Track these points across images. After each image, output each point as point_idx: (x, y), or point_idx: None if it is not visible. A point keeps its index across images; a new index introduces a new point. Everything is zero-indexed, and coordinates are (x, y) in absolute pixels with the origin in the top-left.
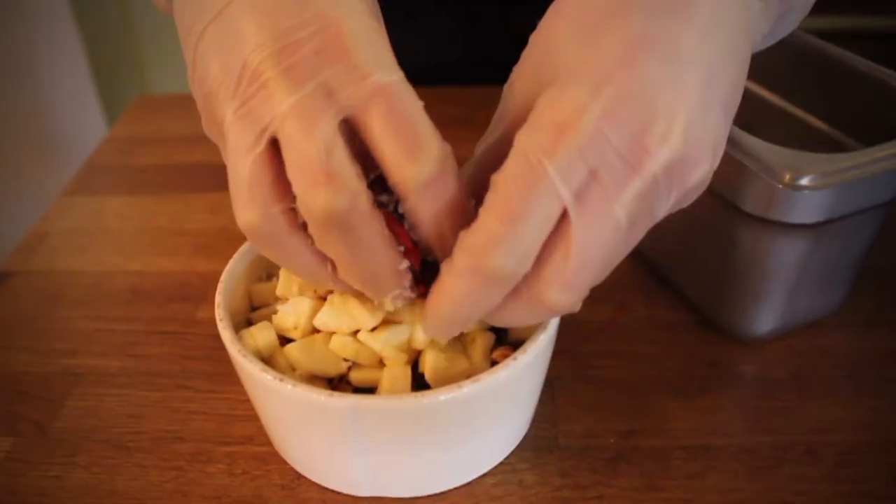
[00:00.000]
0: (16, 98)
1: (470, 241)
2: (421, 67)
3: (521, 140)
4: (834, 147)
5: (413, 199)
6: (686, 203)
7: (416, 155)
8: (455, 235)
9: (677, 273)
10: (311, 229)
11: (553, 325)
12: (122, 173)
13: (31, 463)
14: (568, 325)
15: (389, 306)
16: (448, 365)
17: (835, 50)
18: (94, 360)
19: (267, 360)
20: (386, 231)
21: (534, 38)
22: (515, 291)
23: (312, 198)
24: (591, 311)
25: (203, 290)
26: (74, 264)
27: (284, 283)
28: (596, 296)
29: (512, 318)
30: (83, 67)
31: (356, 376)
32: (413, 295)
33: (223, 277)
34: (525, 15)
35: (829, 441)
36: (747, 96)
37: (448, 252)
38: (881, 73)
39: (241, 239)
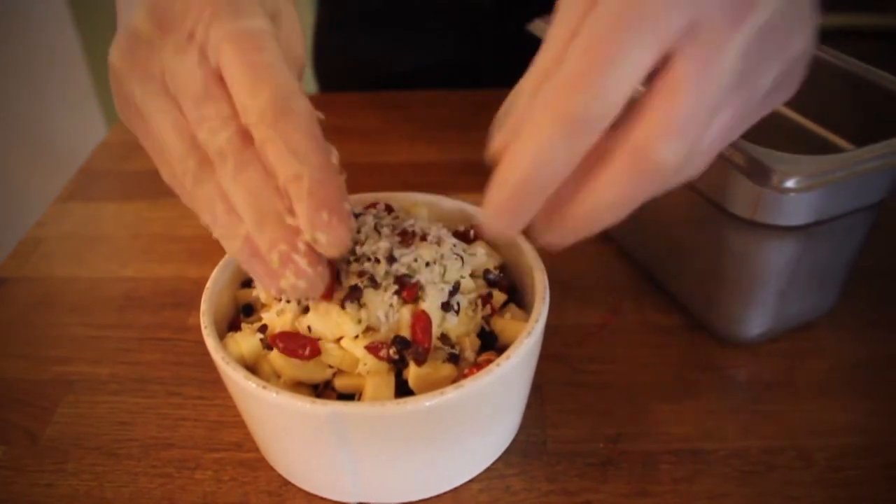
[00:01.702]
0: (16, 103)
1: (553, 83)
2: (418, 70)
3: None
4: (825, 148)
5: (258, 133)
6: (790, 86)
7: (256, 88)
8: (304, 179)
9: (668, 276)
10: (217, 172)
11: (538, 329)
12: (117, 179)
13: (21, 471)
14: (558, 330)
15: (287, 288)
16: (431, 371)
17: (825, 50)
18: (87, 367)
19: (251, 366)
20: (265, 178)
21: None
22: (607, 153)
23: (210, 142)
24: (582, 316)
25: (195, 297)
26: (68, 270)
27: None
28: (587, 300)
29: (606, 194)
30: (83, 72)
31: (340, 383)
32: (318, 283)
33: (208, 285)
34: (520, 19)
35: (821, 445)
36: None
37: (302, 199)
38: (871, 73)
39: None
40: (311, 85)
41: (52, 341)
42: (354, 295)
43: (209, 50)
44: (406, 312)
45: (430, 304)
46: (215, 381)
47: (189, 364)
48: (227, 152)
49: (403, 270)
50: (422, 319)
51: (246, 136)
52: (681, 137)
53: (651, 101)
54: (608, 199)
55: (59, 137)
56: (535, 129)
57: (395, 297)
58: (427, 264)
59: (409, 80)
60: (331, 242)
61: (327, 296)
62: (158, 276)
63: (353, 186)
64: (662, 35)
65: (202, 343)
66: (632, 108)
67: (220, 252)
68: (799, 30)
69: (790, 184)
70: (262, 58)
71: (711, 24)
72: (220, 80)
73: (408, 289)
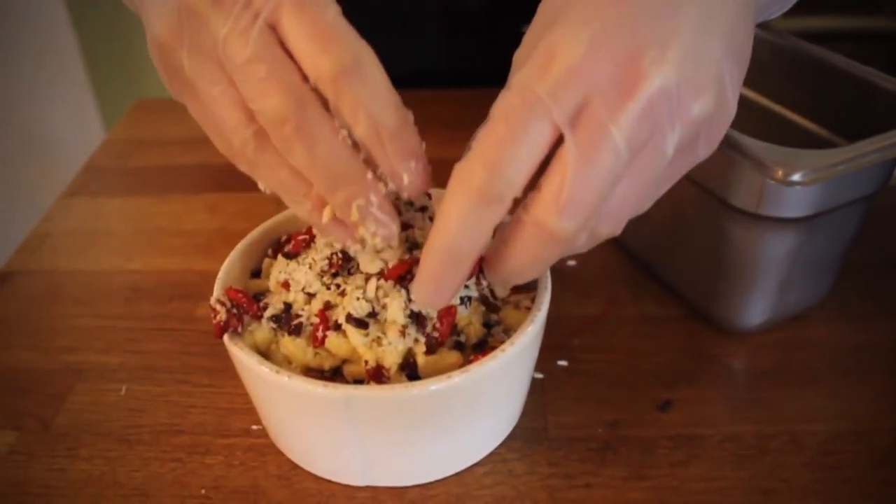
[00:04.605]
0: (14, 102)
1: (461, 166)
2: (412, 73)
3: (516, 76)
4: (818, 143)
5: (333, 91)
6: (701, 150)
7: (329, 47)
8: (385, 130)
9: (668, 268)
10: (272, 138)
11: (541, 317)
12: (121, 175)
13: (34, 456)
14: (557, 320)
15: (370, 238)
16: (439, 359)
17: (817, 49)
18: (95, 356)
19: (264, 353)
20: (341, 133)
21: (542, 5)
22: (518, 222)
23: (263, 105)
24: (581, 307)
25: (202, 288)
26: (75, 264)
27: (273, 279)
28: (586, 291)
29: (520, 256)
30: (81, 72)
31: (350, 370)
32: (395, 229)
33: (220, 275)
34: (513, 21)
35: (812, 430)
36: None
37: (385, 149)
38: (862, 70)
39: (239, 238)
40: None
41: (61, 332)
42: (358, 322)
43: (265, 12)
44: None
45: (455, 298)
46: (223, 370)
47: (197, 353)
48: (288, 115)
49: None
50: (450, 314)
51: (301, 98)
52: (569, 214)
53: (546, 180)
54: (523, 262)
55: (57, 136)
56: (450, 202)
57: None
58: None
59: (403, 84)
60: (414, 186)
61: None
62: (164, 268)
63: None
64: (557, 111)
65: (210, 333)
66: (536, 182)
67: (226, 245)
68: (701, 90)
69: (795, 177)
70: (327, 16)
71: (602, 96)
72: (276, 42)
73: None
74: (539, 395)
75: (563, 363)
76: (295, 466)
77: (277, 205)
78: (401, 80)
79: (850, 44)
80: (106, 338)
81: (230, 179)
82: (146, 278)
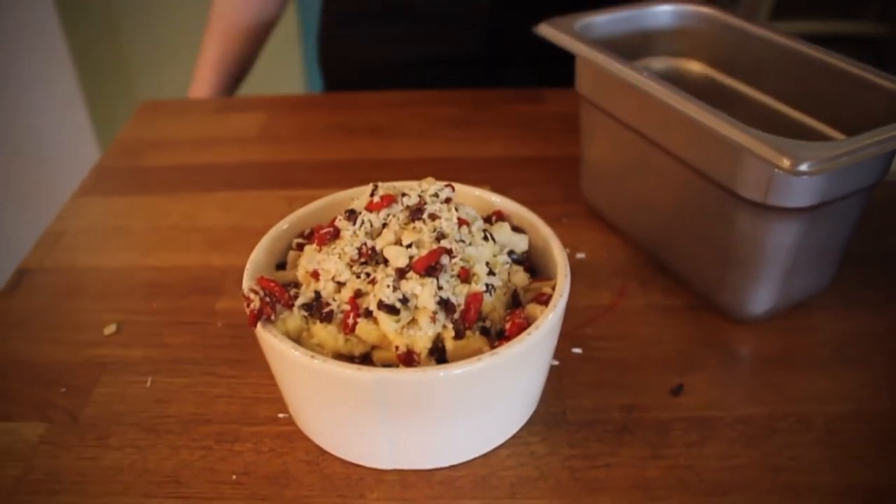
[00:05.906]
0: (3, 107)
1: None
2: (418, 63)
3: None
4: (817, 138)
5: None
6: None
7: None
8: None
9: (676, 259)
10: None
11: (562, 303)
12: (133, 175)
13: (65, 446)
14: (571, 311)
15: None
16: (466, 344)
17: (815, 49)
18: (119, 350)
19: (295, 341)
20: None
21: None
22: None
23: None
24: (593, 297)
25: (220, 283)
26: (92, 261)
27: (302, 269)
28: (595, 282)
29: None
30: (71, 76)
31: (379, 356)
32: None
33: (248, 266)
34: (517, 18)
35: (819, 411)
36: (733, 95)
37: None
38: (859, 68)
39: (254, 235)
40: (317, 83)
41: (83, 326)
42: (389, 308)
43: None
44: (463, 290)
45: (481, 286)
46: (247, 361)
47: (220, 346)
48: None
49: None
50: (477, 300)
51: None
52: None
53: None
54: None
55: (48, 140)
56: None
57: (456, 280)
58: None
59: (409, 73)
60: None
61: None
62: (181, 264)
63: (366, 179)
64: None
65: (232, 326)
66: None
67: (241, 242)
68: None
69: (803, 167)
70: None
71: None
72: None
73: (462, 268)
74: (556, 381)
75: (577, 351)
76: (323, 452)
77: (290, 202)
78: (408, 68)
79: (834, 48)
80: (128, 332)
81: (240, 179)
82: (164, 274)
